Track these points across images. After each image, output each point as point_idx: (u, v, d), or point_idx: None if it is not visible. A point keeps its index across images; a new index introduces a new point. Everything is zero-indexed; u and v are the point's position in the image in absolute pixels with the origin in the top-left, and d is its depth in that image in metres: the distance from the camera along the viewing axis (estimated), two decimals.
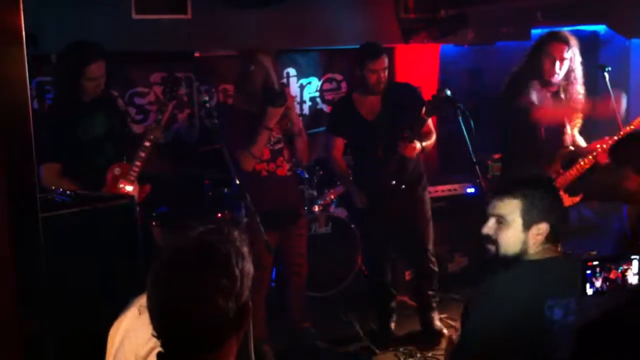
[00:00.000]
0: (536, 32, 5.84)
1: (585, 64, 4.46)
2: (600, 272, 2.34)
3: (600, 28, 6.47)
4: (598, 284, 2.32)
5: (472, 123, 3.95)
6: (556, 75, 4.31)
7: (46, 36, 4.63)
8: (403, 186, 4.47)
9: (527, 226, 2.47)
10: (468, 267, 5.69)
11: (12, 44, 1.71)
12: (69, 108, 4.13)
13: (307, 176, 5.62)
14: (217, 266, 1.63)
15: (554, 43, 4.30)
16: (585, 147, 4.44)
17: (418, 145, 4.36)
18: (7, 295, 1.82)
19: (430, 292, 4.76)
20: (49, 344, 2.15)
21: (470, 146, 3.87)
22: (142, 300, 2.42)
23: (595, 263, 2.32)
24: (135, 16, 5.10)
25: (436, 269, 4.75)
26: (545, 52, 4.31)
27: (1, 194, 1.73)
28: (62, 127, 4.08)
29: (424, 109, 4.14)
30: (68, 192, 3.15)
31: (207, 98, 4.46)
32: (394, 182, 4.44)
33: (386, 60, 4.47)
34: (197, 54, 5.72)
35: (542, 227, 2.46)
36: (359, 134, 4.60)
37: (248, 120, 4.29)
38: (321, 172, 5.68)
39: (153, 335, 1.69)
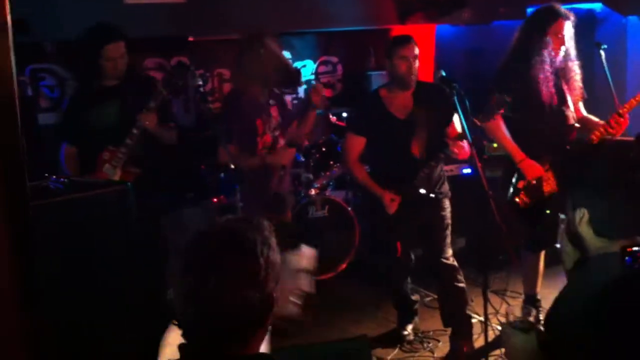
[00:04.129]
0: (532, 10, 5.81)
1: (581, 42, 4.43)
2: (637, 257, 2.31)
3: (597, 6, 6.42)
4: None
5: (467, 103, 3.92)
6: (560, 53, 4.27)
7: (39, 23, 4.60)
8: (432, 195, 4.19)
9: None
10: (465, 248, 5.69)
11: None
12: (86, 93, 4.20)
13: (303, 160, 5.61)
14: (242, 254, 1.61)
15: (559, 19, 4.21)
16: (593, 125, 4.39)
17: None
18: (2, 282, 1.82)
19: (461, 315, 4.34)
20: (46, 332, 2.15)
21: (466, 126, 3.84)
22: None
23: (636, 249, 2.28)
24: (127, 1, 5.06)
25: (462, 284, 4.32)
26: (549, 30, 4.21)
27: None
28: (77, 112, 4.16)
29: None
30: (62, 179, 3.14)
31: (201, 82, 4.43)
32: (423, 190, 4.16)
33: (416, 49, 4.16)
34: (191, 39, 5.69)
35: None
36: (389, 133, 4.22)
37: (252, 103, 4.31)
38: (317, 156, 5.67)
39: (173, 324, 1.67)
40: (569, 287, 2.35)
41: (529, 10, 5.70)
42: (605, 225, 2.20)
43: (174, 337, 2.38)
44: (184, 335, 1.64)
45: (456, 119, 4.19)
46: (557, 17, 4.22)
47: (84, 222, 2.97)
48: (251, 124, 4.31)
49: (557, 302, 2.39)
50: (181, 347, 1.65)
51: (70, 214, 2.93)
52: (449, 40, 6.66)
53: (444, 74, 4.07)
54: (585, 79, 4.49)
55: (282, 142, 4.45)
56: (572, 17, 4.25)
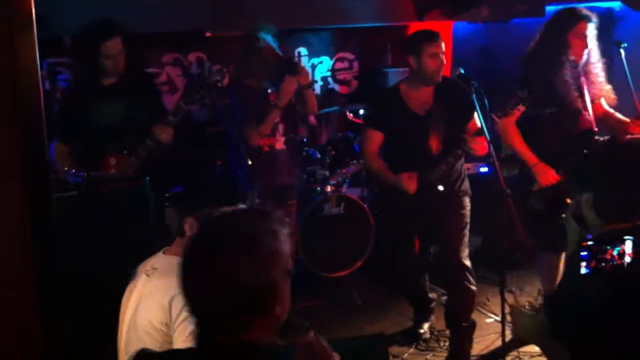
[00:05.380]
0: (550, 8, 5.77)
1: (600, 40, 4.39)
2: (596, 253, 2.40)
3: (615, 4, 6.39)
4: (593, 264, 2.40)
5: (486, 101, 3.90)
6: (584, 56, 4.22)
7: (57, 17, 4.60)
8: (441, 188, 4.11)
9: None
10: (482, 247, 5.67)
11: (22, 28, 1.69)
12: (84, 91, 4.11)
13: (319, 156, 5.60)
14: (243, 242, 1.62)
15: (582, 22, 4.11)
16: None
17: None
18: (24, 272, 1.83)
19: (467, 318, 4.29)
20: (65, 319, 2.16)
21: (484, 125, 3.82)
22: (148, 265, 2.47)
23: (591, 243, 2.38)
24: None
25: (474, 287, 4.25)
26: (572, 31, 4.12)
27: (15, 175, 1.73)
28: (73, 111, 4.07)
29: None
30: (80, 173, 3.16)
31: (219, 78, 4.40)
32: (441, 187, 4.09)
33: (443, 45, 4.09)
34: (208, 34, 5.69)
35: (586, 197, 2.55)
36: (407, 130, 4.17)
37: (256, 96, 4.37)
38: (333, 153, 5.65)
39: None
40: (569, 275, 2.47)
41: (548, 8, 5.68)
42: (606, 208, 2.47)
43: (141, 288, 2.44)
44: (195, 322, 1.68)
45: (476, 116, 4.15)
46: (579, 19, 4.13)
47: (102, 216, 2.99)
48: (255, 113, 4.33)
49: (562, 287, 2.48)
50: (194, 334, 1.68)
51: (89, 207, 2.95)
52: (465, 37, 6.63)
53: (462, 71, 4.06)
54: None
55: (281, 128, 4.50)
56: (594, 19, 4.17)
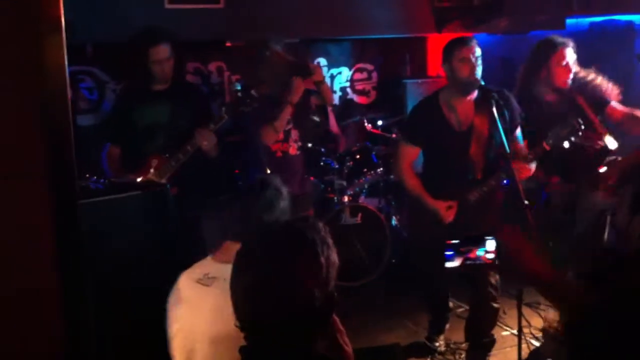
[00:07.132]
0: (571, 21, 5.76)
1: (621, 53, 4.41)
2: (462, 252, 2.48)
3: (636, 18, 6.36)
4: (458, 262, 2.49)
5: (506, 113, 3.90)
6: (569, 82, 4.33)
7: (80, 26, 4.65)
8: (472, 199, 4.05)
9: None
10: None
11: (52, 32, 1.72)
12: (136, 95, 4.32)
13: (337, 166, 5.61)
14: (305, 253, 1.64)
15: (560, 49, 4.27)
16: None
17: (533, 166, 4.00)
18: (49, 278, 1.84)
19: (487, 334, 4.27)
20: (91, 323, 2.17)
21: (504, 137, 3.80)
22: (198, 273, 2.42)
23: (455, 241, 2.45)
24: (168, 6, 5.11)
25: (497, 305, 4.20)
26: (552, 60, 4.30)
27: (41, 179, 1.75)
28: (125, 113, 4.27)
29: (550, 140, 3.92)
30: (102, 179, 3.19)
31: (239, 87, 4.45)
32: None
33: (478, 49, 3.90)
34: (228, 44, 5.72)
35: None
36: (446, 146, 4.01)
37: (270, 103, 4.35)
38: (351, 163, 5.66)
39: (236, 326, 1.67)
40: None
41: (569, 21, 5.67)
42: None
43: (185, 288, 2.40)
44: (245, 336, 1.65)
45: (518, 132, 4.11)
46: (557, 47, 4.27)
47: (123, 222, 3.01)
48: (268, 118, 4.34)
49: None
50: (241, 350, 1.66)
51: (111, 213, 2.97)
52: (485, 49, 6.61)
53: (482, 82, 4.04)
54: (625, 91, 4.45)
55: (294, 134, 4.50)
56: (572, 44, 4.29)
